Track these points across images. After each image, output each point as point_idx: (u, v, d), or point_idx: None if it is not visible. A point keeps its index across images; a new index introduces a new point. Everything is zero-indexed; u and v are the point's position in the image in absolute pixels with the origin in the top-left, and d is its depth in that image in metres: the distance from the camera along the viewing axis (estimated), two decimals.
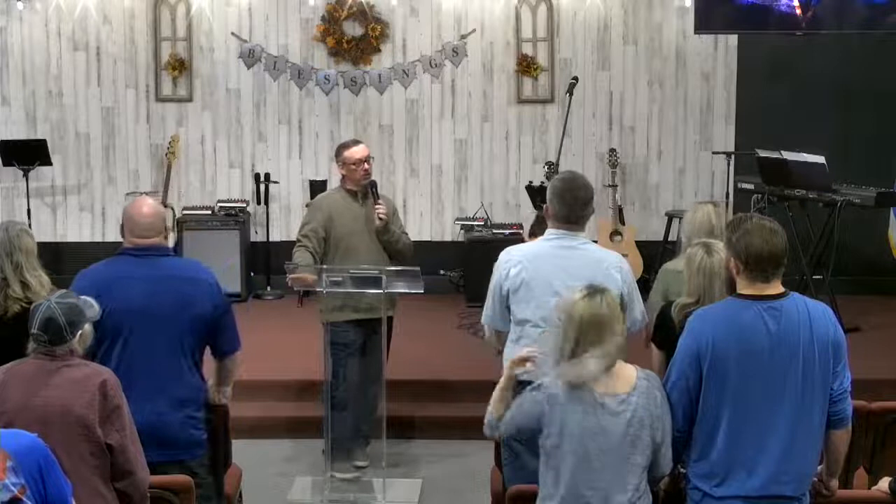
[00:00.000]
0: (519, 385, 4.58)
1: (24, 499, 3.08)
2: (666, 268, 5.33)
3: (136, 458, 3.89)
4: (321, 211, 6.32)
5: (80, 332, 3.90)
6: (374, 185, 6.36)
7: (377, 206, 6.25)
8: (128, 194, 9.51)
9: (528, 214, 9.33)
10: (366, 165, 6.30)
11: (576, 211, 4.66)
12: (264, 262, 9.71)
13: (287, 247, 8.12)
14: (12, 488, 3.05)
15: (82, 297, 4.07)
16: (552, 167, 8.88)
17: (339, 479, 6.26)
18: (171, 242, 9.26)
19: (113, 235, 9.87)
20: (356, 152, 6.31)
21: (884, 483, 4.17)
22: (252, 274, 9.73)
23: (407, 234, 6.54)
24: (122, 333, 4.50)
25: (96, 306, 4.05)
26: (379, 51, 9.74)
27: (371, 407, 6.42)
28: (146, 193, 8.99)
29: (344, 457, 6.33)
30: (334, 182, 9.54)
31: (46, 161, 9.51)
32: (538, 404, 3.87)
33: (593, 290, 3.87)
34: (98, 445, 3.78)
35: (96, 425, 3.77)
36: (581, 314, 3.79)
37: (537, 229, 5.89)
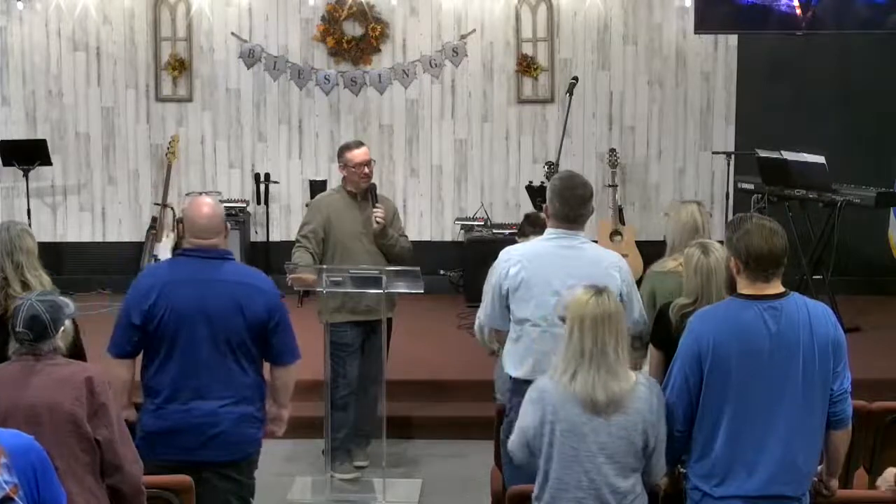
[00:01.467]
0: (519, 384, 4.60)
1: (17, 499, 3.07)
2: (653, 269, 5.30)
3: (124, 453, 3.89)
4: (320, 212, 6.32)
5: (62, 328, 3.91)
6: (373, 188, 6.35)
7: (375, 210, 6.24)
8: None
9: None
10: (366, 169, 6.28)
11: (575, 209, 4.66)
12: (264, 262, 9.70)
13: (287, 247, 8.12)
14: (4, 486, 3.04)
15: (133, 298, 4.15)
16: (552, 167, 8.89)
17: (339, 479, 6.26)
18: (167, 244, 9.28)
19: (113, 235, 9.90)
20: (358, 155, 6.29)
21: (889, 474, 4.16)
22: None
23: (406, 236, 6.53)
24: (179, 333, 4.50)
25: (72, 305, 4.06)
26: (379, 51, 9.74)
27: (371, 407, 6.42)
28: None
29: (344, 457, 6.33)
30: (334, 182, 9.55)
31: (46, 161, 9.51)
32: (534, 403, 3.89)
33: (598, 289, 3.87)
34: (88, 442, 3.79)
35: (84, 421, 3.77)
36: (594, 313, 3.79)
37: (527, 228, 5.89)
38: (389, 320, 6.40)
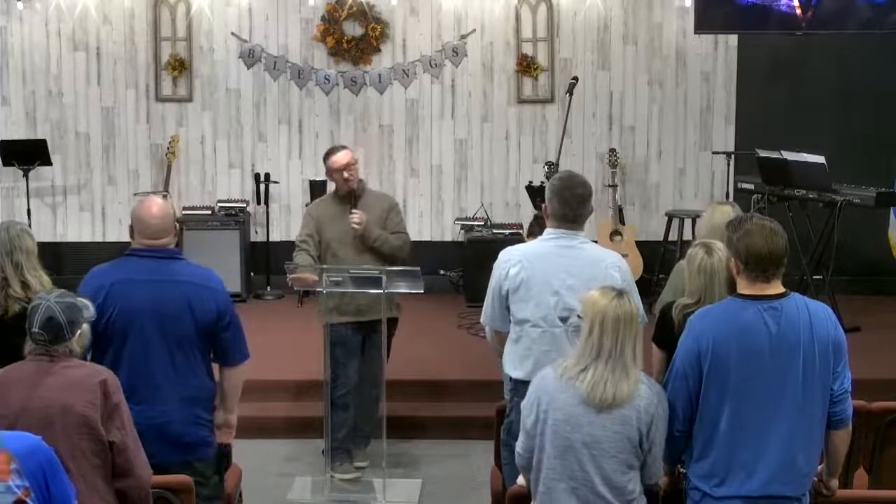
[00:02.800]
0: (519, 385, 4.60)
1: (29, 501, 3.08)
2: (680, 266, 5.31)
3: (136, 457, 3.89)
4: (312, 217, 6.39)
5: (78, 331, 3.90)
6: (353, 192, 6.31)
7: (352, 215, 6.24)
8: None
9: (528, 214, 9.32)
10: (345, 173, 6.28)
11: (574, 208, 4.65)
12: (264, 262, 9.71)
13: (287, 247, 8.12)
14: (16, 490, 3.05)
15: (80, 297, 4.06)
16: (552, 167, 8.88)
17: (339, 479, 6.26)
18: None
19: (113, 235, 9.89)
20: (336, 161, 6.31)
21: None
22: (252, 274, 9.73)
23: (402, 233, 6.43)
24: (128, 334, 4.48)
25: (91, 307, 4.05)
26: (379, 51, 9.74)
27: (371, 407, 6.42)
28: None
29: (344, 457, 6.33)
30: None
31: (46, 161, 9.51)
32: (531, 392, 3.90)
33: (619, 291, 3.90)
34: (100, 444, 3.79)
35: (98, 424, 3.77)
36: (615, 314, 3.81)
37: (536, 228, 5.87)
38: (394, 321, 6.39)
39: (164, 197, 7.87)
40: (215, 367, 4.73)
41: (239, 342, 4.68)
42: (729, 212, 5.22)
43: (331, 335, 6.20)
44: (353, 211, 6.25)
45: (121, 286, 4.51)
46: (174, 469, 4.42)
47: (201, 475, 4.57)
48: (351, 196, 6.31)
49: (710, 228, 5.14)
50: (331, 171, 6.35)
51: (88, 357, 4.35)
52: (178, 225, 4.76)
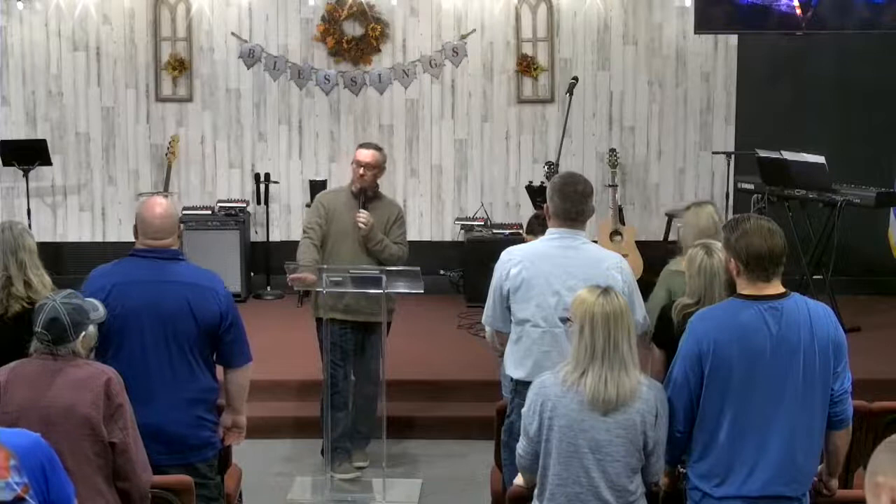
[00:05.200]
0: (520, 386, 4.60)
1: (28, 498, 3.08)
2: (669, 269, 5.31)
3: (137, 458, 3.89)
4: (323, 206, 6.41)
5: (83, 333, 3.89)
6: (364, 192, 6.35)
7: (359, 214, 6.26)
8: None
9: (528, 214, 9.28)
10: (361, 171, 6.31)
11: (576, 205, 4.64)
12: (264, 262, 9.71)
13: (287, 247, 8.13)
14: (16, 487, 3.05)
15: (88, 298, 4.05)
16: (552, 167, 8.88)
17: (339, 479, 6.26)
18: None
19: (113, 235, 9.89)
20: (360, 154, 6.39)
21: None
22: (252, 274, 9.73)
23: (402, 244, 6.43)
24: (129, 335, 4.47)
25: (101, 309, 4.05)
26: (379, 51, 9.74)
27: (369, 408, 6.42)
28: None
29: (343, 456, 6.33)
30: (334, 182, 9.58)
31: (46, 161, 9.51)
32: (534, 399, 3.89)
33: (604, 288, 3.88)
34: (102, 445, 3.79)
35: (101, 424, 3.77)
36: (603, 311, 3.80)
37: (536, 226, 5.87)
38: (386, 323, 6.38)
39: (168, 197, 7.87)
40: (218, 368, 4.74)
41: (241, 344, 4.67)
42: (712, 212, 5.19)
43: (325, 333, 6.19)
44: (361, 211, 6.26)
45: (122, 287, 4.50)
46: (175, 470, 4.41)
47: (203, 476, 4.57)
48: (362, 194, 6.33)
49: (698, 232, 5.08)
50: (352, 162, 6.44)
51: (92, 356, 4.35)
52: (181, 227, 4.75)
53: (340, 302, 6.22)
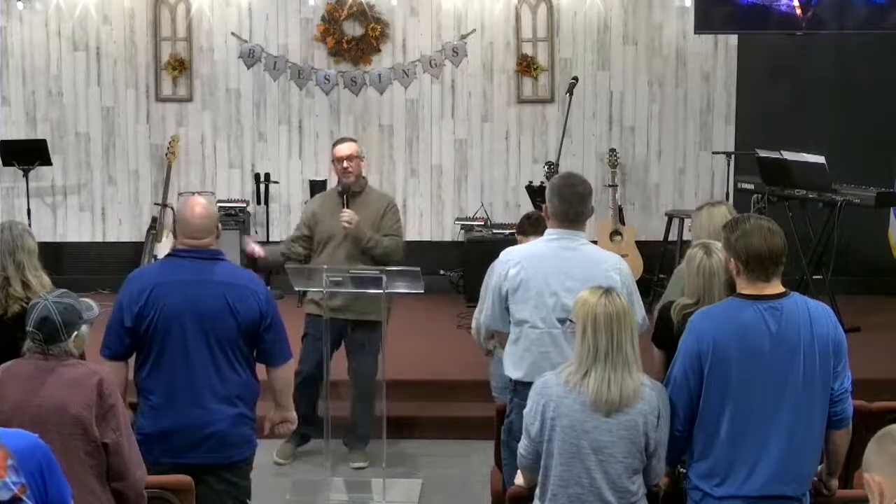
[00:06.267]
0: (519, 386, 4.60)
1: (25, 498, 3.07)
2: (680, 270, 5.27)
3: (131, 458, 3.88)
4: (310, 208, 6.54)
5: (75, 333, 3.87)
6: (348, 189, 6.34)
7: (342, 214, 6.25)
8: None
9: None
10: (345, 164, 6.33)
11: (574, 206, 4.63)
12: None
13: None
14: (13, 487, 3.04)
15: (126, 299, 4.04)
16: (552, 167, 8.89)
17: (339, 479, 6.27)
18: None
19: (113, 235, 9.90)
20: (339, 150, 6.42)
21: None
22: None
23: (395, 236, 6.43)
24: (169, 336, 4.47)
25: (96, 308, 4.04)
26: (379, 51, 9.74)
27: (364, 408, 6.45)
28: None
29: (297, 440, 6.54)
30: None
31: (46, 161, 9.51)
32: (536, 400, 3.89)
33: (606, 289, 3.88)
34: (94, 445, 3.78)
35: (93, 424, 3.75)
36: (606, 312, 3.80)
37: (527, 227, 5.87)
38: (375, 323, 6.35)
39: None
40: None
41: (281, 342, 4.68)
42: (726, 212, 5.17)
43: (325, 329, 6.20)
44: (344, 210, 6.26)
45: (162, 288, 4.50)
46: (218, 469, 4.47)
47: (240, 476, 4.60)
48: (345, 192, 6.33)
49: (711, 233, 5.07)
50: (333, 161, 6.44)
51: (133, 357, 4.47)
52: (220, 226, 4.74)
53: (331, 300, 6.25)
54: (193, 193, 7.94)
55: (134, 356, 4.58)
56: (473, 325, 5.21)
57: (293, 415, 4.87)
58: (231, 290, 4.52)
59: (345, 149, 6.38)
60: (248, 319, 4.52)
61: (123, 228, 9.89)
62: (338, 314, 6.32)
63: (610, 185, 9.51)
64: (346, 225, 6.22)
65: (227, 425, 4.52)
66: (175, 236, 4.67)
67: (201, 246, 4.59)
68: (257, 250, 6.33)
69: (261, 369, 4.70)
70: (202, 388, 4.48)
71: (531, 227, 5.75)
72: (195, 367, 4.47)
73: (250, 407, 4.64)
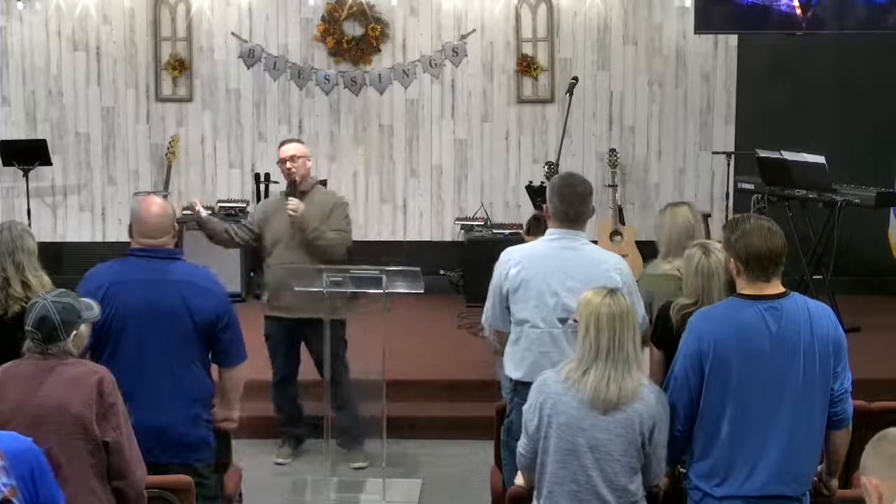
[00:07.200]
0: (519, 386, 4.60)
1: (15, 501, 3.07)
2: (646, 272, 5.25)
3: (131, 457, 3.88)
4: (260, 209, 6.64)
5: (74, 332, 3.87)
6: (294, 185, 6.33)
7: (288, 202, 6.26)
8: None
9: (528, 214, 9.28)
10: (289, 165, 6.34)
11: (575, 206, 4.63)
12: (263, 261, 9.68)
13: None
14: (2, 489, 3.04)
15: (82, 298, 4.05)
16: (552, 167, 8.88)
17: (339, 480, 6.26)
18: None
19: (113, 235, 9.89)
20: (283, 150, 6.45)
21: None
22: (252, 274, 9.72)
23: (343, 231, 6.37)
24: (126, 334, 4.47)
25: (96, 308, 4.03)
26: (379, 51, 9.74)
27: (348, 406, 6.44)
28: (155, 193, 8.90)
29: (291, 442, 6.59)
30: (333, 182, 9.59)
31: (46, 161, 9.51)
32: (534, 396, 3.89)
33: (610, 289, 3.89)
34: (95, 444, 3.77)
35: (93, 423, 3.75)
36: (609, 311, 3.81)
37: (535, 227, 5.87)
38: (339, 322, 6.33)
39: (165, 197, 7.89)
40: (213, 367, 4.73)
41: (237, 343, 4.67)
42: (687, 212, 5.15)
43: (325, 332, 6.15)
44: (290, 199, 6.27)
45: (118, 287, 4.50)
46: (175, 470, 4.41)
47: (201, 476, 4.56)
48: (293, 189, 6.33)
49: (673, 232, 5.06)
50: (278, 162, 6.49)
51: (87, 356, 4.34)
52: (177, 225, 4.74)
53: (283, 301, 6.27)
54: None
55: (89, 354, 4.54)
56: (483, 321, 5.19)
57: (236, 413, 4.84)
58: (188, 289, 4.52)
59: (289, 149, 6.40)
60: (204, 319, 4.51)
61: (123, 228, 9.86)
62: (283, 313, 6.33)
63: (610, 185, 9.51)
64: (291, 212, 6.21)
65: (184, 426, 4.52)
66: (131, 236, 4.64)
67: (158, 245, 4.58)
68: (201, 211, 6.31)
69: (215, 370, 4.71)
70: (158, 388, 4.46)
71: (539, 227, 5.75)
72: (151, 366, 4.46)
73: (206, 408, 4.64)
